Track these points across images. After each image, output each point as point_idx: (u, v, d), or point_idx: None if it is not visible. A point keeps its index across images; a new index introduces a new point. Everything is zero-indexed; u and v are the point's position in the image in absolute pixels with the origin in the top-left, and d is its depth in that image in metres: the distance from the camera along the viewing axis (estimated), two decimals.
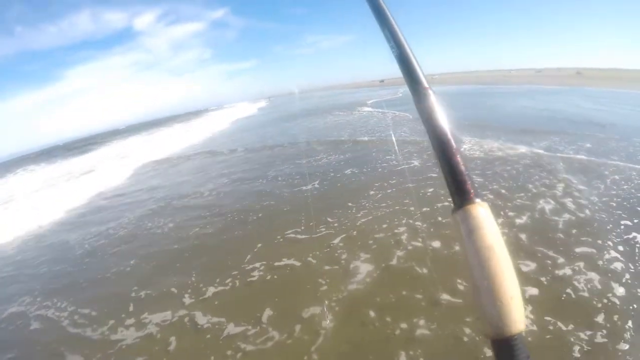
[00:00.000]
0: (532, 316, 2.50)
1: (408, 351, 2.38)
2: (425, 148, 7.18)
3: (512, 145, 7.01)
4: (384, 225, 4.14)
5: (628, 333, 2.32)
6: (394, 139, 9.43)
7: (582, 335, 2.34)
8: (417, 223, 4.09)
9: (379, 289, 3.07)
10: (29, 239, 6.17)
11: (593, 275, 2.90)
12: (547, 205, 4.19)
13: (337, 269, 3.46)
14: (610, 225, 3.63)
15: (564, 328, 2.41)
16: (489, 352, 2.18)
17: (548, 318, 2.49)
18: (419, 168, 6.14)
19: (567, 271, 2.99)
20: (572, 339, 2.31)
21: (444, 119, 0.58)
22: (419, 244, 3.65)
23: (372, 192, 5.24)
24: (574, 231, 3.60)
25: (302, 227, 4.39)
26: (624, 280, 2.81)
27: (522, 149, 6.74)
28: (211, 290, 3.42)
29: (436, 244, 3.59)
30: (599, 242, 3.35)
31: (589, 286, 2.78)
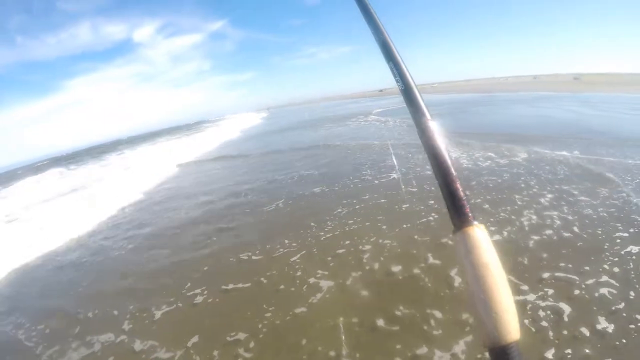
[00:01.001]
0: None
1: None
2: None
3: (508, 150, 7.12)
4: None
5: None
6: (391, 150, 9.51)
7: None
8: (386, 241, 3.99)
9: (319, 315, 2.95)
10: (126, 208, 7.73)
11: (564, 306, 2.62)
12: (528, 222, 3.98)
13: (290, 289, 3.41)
14: (597, 244, 3.38)
15: None
16: None
17: None
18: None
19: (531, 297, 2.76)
20: None
21: (445, 148, 0.64)
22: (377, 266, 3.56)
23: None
24: (547, 254, 3.31)
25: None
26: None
27: (520, 154, 6.84)
28: (156, 313, 3.41)
29: (396, 267, 3.45)
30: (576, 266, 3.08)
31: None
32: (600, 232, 3.61)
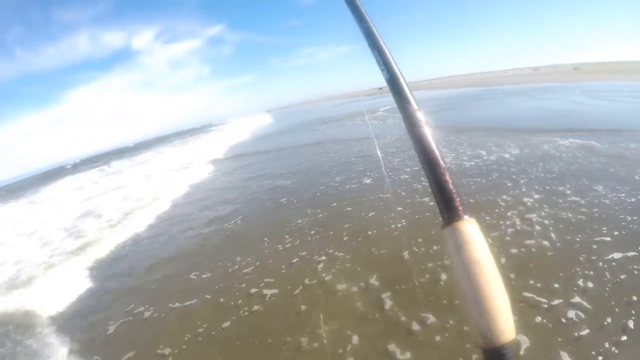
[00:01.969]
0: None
1: None
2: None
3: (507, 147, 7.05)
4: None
5: None
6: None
7: None
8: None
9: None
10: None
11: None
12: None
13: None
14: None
15: None
16: None
17: None
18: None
19: None
20: None
21: (433, 138, 0.61)
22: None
23: None
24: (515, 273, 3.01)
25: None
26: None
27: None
28: None
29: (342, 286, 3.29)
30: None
31: None
32: (579, 238, 3.33)
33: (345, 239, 4.22)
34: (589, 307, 2.48)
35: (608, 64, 55.91)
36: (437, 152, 0.59)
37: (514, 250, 3.31)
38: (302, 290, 3.35)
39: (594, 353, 2.12)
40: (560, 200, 4.19)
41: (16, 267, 5.73)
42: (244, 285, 3.65)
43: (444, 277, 3.08)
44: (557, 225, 3.63)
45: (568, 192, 4.40)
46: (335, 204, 5.44)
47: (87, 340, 3.36)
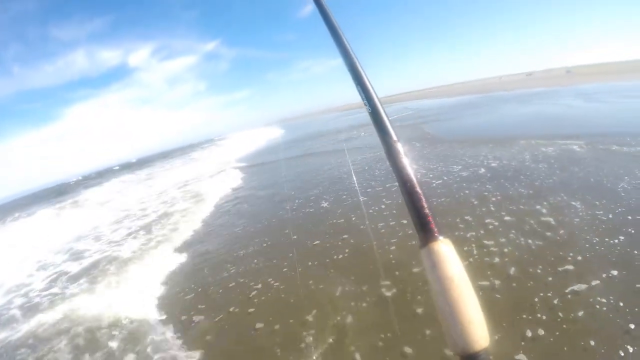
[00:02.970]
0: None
1: None
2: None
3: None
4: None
5: None
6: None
7: None
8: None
9: None
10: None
11: None
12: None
13: None
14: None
15: None
16: None
17: None
18: None
19: None
20: None
21: (410, 166, 0.69)
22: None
23: None
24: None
25: None
26: None
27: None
28: None
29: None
30: None
31: None
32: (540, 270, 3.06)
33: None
34: None
35: (600, 65, 56.78)
36: (414, 179, 0.67)
37: None
38: None
39: None
40: (532, 222, 3.93)
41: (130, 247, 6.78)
42: None
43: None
44: (518, 256, 3.36)
45: (544, 210, 4.16)
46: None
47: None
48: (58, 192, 30.64)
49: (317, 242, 4.72)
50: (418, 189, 0.65)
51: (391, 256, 3.84)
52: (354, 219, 5.29)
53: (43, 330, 4.06)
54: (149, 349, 3.23)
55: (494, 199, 4.80)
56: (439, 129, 13.27)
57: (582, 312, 2.51)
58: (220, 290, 4.09)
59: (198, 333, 3.36)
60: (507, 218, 4.16)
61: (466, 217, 4.36)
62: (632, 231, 3.35)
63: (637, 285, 2.64)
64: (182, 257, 5.44)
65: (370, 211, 5.30)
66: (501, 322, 2.56)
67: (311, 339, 2.86)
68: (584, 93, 17.11)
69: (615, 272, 2.81)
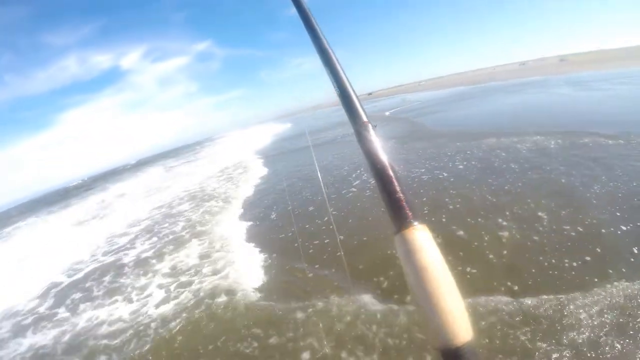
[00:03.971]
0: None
1: None
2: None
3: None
4: None
5: None
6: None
7: None
8: None
9: None
10: None
11: None
12: None
13: None
14: None
15: None
16: None
17: None
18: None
19: None
20: None
21: (381, 148, 0.63)
22: None
23: None
24: None
25: None
26: None
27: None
28: None
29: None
30: None
31: None
32: None
33: None
34: None
35: (594, 53, 56.82)
36: (385, 161, 0.61)
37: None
38: None
39: None
40: (486, 238, 3.64)
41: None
42: None
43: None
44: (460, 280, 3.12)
45: (504, 223, 3.83)
46: None
47: None
48: (87, 187, 32.21)
49: None
50: (390, 172, 0.60)
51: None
52: None
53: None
54: None
55: (451, 206, 4.59)
56: (422, 121, 13.34)
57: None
58: None
59: None
60: (460, 232, 3.92)
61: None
62: None
63: None
64: None
65: None
66: None
67: None
68: (575, 82, 17.07)
69: None
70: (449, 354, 0.49)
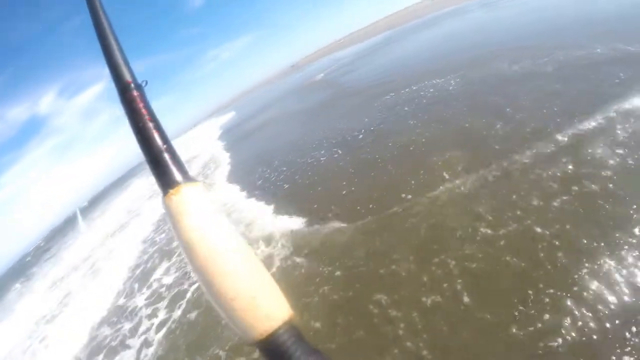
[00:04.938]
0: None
1: None
2: None
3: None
4: None
5: None
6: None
7: None
8: None
9: None
10: None
11: None
12: None
13: None
14: None
15: None
16: None
17: None
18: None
19: None
20: None
21: (145, 105, 0.52)
22: None
23: None
24: None
25: None
26: None
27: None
28: None
29: None
30: None
31: None
32: None
33: None
34: None
35: None
36: (146, 118, 0.50)
37: None
38: None
39: None
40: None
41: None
42: None
43: None
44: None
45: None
46: None
47: None
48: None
49: None
50: (151, 129, 0.49)
51: None
52: None
53: None
54: None
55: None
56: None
57: None
58: None
59: None
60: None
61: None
62: None
63: None
64: None
65: None
66: None
67: None
68: (488, 3, 17.38)
69: None
70: (262, 346, 0.37)
